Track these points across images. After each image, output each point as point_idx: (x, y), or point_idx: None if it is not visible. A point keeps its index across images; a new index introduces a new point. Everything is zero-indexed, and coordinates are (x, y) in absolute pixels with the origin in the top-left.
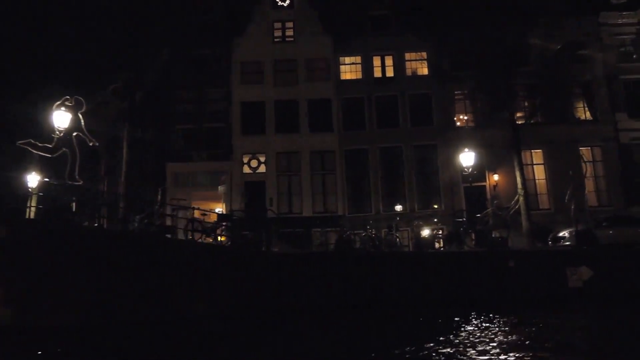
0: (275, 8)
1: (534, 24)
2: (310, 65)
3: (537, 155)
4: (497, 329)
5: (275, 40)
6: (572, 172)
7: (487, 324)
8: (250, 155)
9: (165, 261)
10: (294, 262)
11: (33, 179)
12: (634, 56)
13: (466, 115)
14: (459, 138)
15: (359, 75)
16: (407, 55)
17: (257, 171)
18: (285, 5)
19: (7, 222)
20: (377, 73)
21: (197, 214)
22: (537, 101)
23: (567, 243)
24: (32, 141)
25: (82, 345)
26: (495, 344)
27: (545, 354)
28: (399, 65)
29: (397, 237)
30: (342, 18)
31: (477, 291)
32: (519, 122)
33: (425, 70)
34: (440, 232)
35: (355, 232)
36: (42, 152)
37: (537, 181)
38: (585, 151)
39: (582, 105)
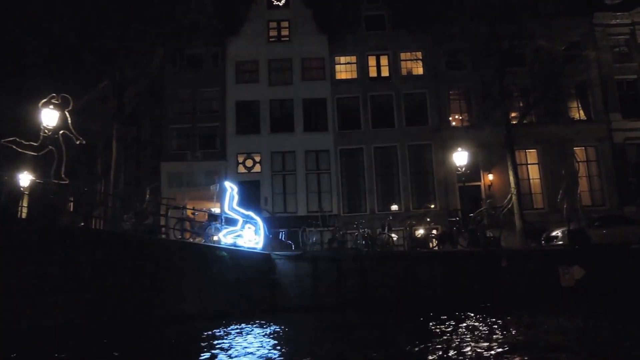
0: (270, 7)
1: (528, 23)
2: (305, 64)
3: (532, 155)
4: (489, 328)
5: (270, 39)
6: (566, 172)
7: (479, 324)
8: (245, 155)
9: (152, 261)
10: (286, 261)
11: (25, 178)
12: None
13: (461, 115)
14: (454, 138)
15: (354, 75)
16: (402, 55)
17: (252, 170)
18: (280, 4)
19: None
20: (372, 73)
21: (188, 213)
22: (531, 101)
23: (560, 242)
24: (17, 139)
25: (66, 346)
26: (487, 344)
27: (537, 354)
28: (394, 65)
29: (390, 236)
30: (337, 18)
31: (470, 290)
32: (513, 122)
33: (420, 70)
34: (434, 232)
35: (349, 231)
36: (27, 150)
37: (531, 181)
38: (579, 151)
39: (576, 105)
